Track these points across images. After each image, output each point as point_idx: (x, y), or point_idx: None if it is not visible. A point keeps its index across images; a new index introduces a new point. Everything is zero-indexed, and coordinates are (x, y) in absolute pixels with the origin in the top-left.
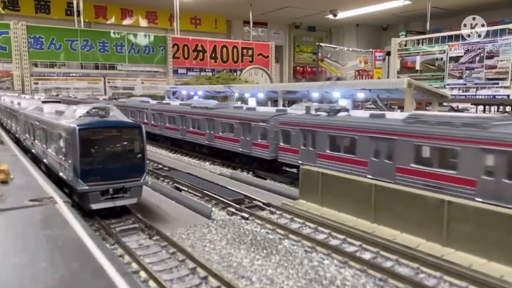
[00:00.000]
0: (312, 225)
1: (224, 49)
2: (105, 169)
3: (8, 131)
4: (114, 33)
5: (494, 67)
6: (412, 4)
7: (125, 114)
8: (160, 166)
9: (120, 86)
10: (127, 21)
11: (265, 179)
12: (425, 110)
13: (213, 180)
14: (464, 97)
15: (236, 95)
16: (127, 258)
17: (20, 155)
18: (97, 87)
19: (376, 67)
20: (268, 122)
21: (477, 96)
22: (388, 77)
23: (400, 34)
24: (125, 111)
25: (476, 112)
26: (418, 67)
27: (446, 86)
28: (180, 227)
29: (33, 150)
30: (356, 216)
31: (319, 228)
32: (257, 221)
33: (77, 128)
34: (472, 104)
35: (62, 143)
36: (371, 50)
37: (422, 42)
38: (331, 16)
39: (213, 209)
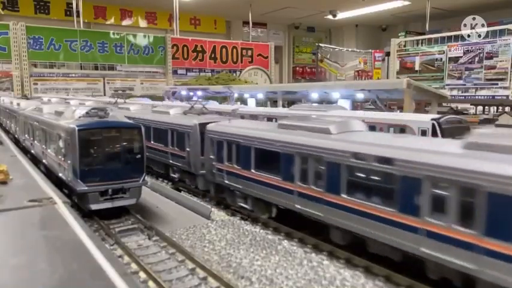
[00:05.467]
0: None
1: (223, 50)
2: (104, 170)
3: (7, 132)
4: (113, 33)
5: (494, 67)
6: (411, 5)
7: None
8: None
9: (120, 86)
10: (126, 22)
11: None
12: (425, 110)
13: None
14: (463, 98)
15: (236, 95)
16: (126, 258)
17: (19, 156)
18: (96, 88)
19: (375, 68)
20: None
21: (476, 97)
22: (387, 78)
23: (399, 35)
24: None
25: (476, 113)
26: (417, 68)
27: (445, 87)
28: (179, 227)
29: (32, 151)
30: None
31: None
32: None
33: (76, 128)
34: (471, 104)
35: (61, 144)
36: (370, 50)
37: (422, 43)
38: (330, 17)
39: (213, 209)
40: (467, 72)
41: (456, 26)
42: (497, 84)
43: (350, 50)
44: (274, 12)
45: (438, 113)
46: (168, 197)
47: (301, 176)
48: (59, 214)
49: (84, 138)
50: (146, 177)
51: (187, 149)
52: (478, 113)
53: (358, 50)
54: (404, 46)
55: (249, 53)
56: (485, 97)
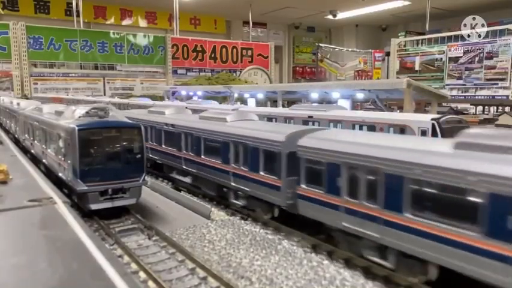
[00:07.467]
0: None
1: (224, 49)
2: (104, 169)
3: (7, 131)
4: (113, 33)
5: (494, 67)
6: (411, 5)
7: None
8: None
9: (120, 86)
10: (126, 22)
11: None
12: (425, 110)
13: None
14: (463, 97)
15: (236, 95)
16: (126, 258)
17: (19, 156)
18: (96, 88)
19: (375, 67)
20: None
21: (476, 97)
22: (387, 78)
23: (399, 35)
24: None
25: (476, 112)
26: (417, 67)
27: (445, 87)
28: (179, 227)
29: (32, 151)
30: None
31: None
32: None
33: (76, 128)
34: (471, 104)
35: (61, 144)
36: (370, 50)
37: (422, 43)
38: (330, 16)
39: (213, 209)
40: (467, 72)
41: (456, 26)
42: (497, 84)
43: (350, 50)
44: (274, 12)
45: (438, 113)
46: (168, 196)
47: (166, 140)
48: (59, 214)
49: (84, 138)
50: (146, 177)
51: None
52: (478, 113)
53: (358, 50)
54: (404, 46)
55: (249, 52)
56: (485, 97)
